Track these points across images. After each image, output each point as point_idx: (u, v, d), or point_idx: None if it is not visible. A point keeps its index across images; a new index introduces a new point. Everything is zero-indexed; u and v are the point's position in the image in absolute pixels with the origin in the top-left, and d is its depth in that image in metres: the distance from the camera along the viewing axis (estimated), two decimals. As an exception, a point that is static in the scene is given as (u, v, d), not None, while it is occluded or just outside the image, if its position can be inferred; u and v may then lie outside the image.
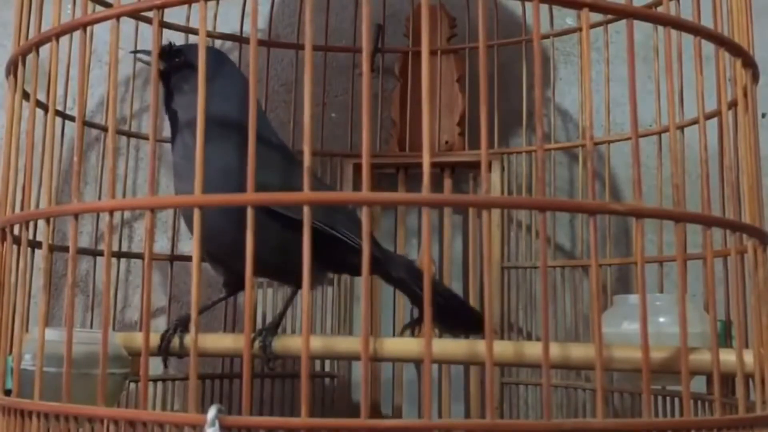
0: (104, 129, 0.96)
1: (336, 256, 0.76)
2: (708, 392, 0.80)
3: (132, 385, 0.82)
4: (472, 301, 1.00)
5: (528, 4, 0.93)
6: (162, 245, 1.02)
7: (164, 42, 0.94)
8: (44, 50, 0.60)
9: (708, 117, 0.63)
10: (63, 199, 1.01)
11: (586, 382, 0.98)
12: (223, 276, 0.83)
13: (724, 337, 0.78)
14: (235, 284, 0.83)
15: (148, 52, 0.81)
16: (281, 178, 0.76)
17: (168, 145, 0.85)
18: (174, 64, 0.79)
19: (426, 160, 0.48)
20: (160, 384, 0.96)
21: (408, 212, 1.05)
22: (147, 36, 0.97)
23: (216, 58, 0.81)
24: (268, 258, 0.70)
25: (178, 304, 1.00)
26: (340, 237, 0.77)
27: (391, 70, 1.09)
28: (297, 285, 0.79)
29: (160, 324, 0.98)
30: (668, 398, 0.88)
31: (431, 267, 0.49)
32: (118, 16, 0.55)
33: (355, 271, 0.81)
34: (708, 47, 0.59)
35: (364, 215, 0.48)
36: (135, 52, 0.85)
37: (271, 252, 0.72)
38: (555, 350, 0.67)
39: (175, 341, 0.77)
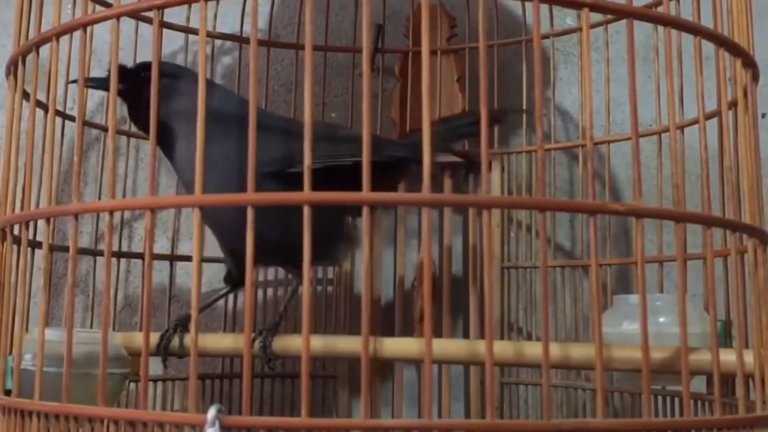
0: (104, 129, 0.96)
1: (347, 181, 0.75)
2: (708, 392, 0.80)
3: (132, 385, 0.82)
4: (472, 302, 1.00)
5: (528, 4, 0.93)
6: (162, 245, 1.02)
7: (164, 43, 0.94)
8: (44, 50, 0.60)
9: (708, 117, 0.63)
10: (63, 199, 1.01)
11: (586, 382, 0.98)
12: (231, 268, 0.83)
13: (724, 337, 0.78)
14: (237, 279, 0.83)
15: (98, 79, 0.80)
16: (282, 150, 0.75)
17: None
18: (142, 79, 0.77)
19: (426, 160, 0.48)
20: (160, 384, 0.96)
21: (408, 212, 1.05)
22: (147, 36, 0.97)
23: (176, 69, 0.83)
24: (278, 237, 0.70)
25: (178, 304, 1.00)
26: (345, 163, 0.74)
27: (391, 70, 1.09)
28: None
29: (161, 324, 0.98)
30: (668, 398, 0.88)
31: (431, 267, 0.49)
32: (118, 16, 0.55)
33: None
34: (708, 47, 0.59)
35: (364, 215, 0.48)
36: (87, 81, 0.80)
37: (281, 230, 0.71)
38: (555, 350, 0.67)
39: (175, 341, 0.77)
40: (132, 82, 0.78)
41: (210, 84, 0.81)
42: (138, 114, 0.81)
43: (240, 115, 0.77)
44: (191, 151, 0.74)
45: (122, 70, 0.77)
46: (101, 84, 0.80)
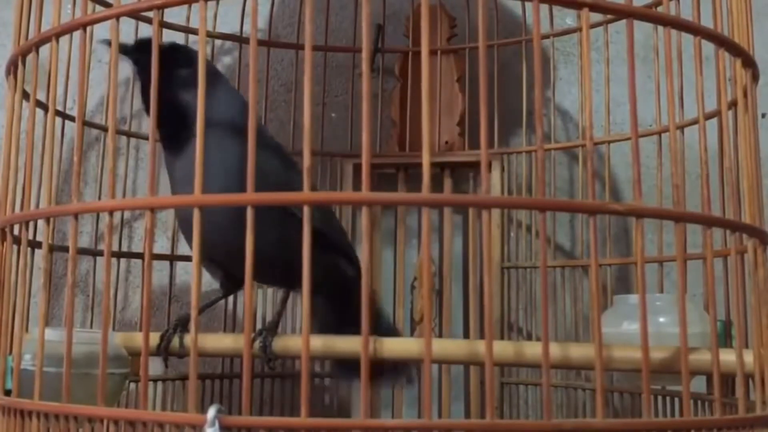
0: (104, 129, 0.96)
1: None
2: (708, 392, 0.80)
3: (132, 385, 0.82)
4: (472, 302, 1.00)
5: (528, 4, 0.93)
6: (162, 245, 1.02)
7: (166, 42, 0.94)
8: (44, 50, 0.60)
9: (708, 117, 0.63)
10: (63, 199, 1.01)
11: (586, 382, 0.98)
12: (219, 278, 0.83)
13: (724, 337, 0.78)
14: (232, 284, 0.83)
15: (125, 47, 0.76)
16: (287, 178, 0.76)
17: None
18: (169, 60, 0.73)
19: (426, 160, 0.48)
20: (160, 384, 0.96)
21: (408, 212, 1.05)
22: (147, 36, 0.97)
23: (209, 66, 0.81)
24: (267, 257, 0.71)
25: (178, 304, 1.00)
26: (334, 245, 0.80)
27: (391, 70, 1.09)
28: (294, 286, 0.79)
29: (160, 324, 0.98)
30: (668, 398, 0.88)
31: (431, 267, 0.49)
32: (118, 16, 0.55)
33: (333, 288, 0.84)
34: (708, 47, 0.59)
35: (364, 215, 0.48)
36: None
37: (271, 251, 0.72)
38: (555, 350, 0.67)
39: (175, 341, 0.77)
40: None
41: (233, 91, 0.81)
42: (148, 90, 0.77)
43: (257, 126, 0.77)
44: (209, 150, 0.73)
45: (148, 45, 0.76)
46: (128, 50, 0.76)
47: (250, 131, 0.49)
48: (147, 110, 0.77)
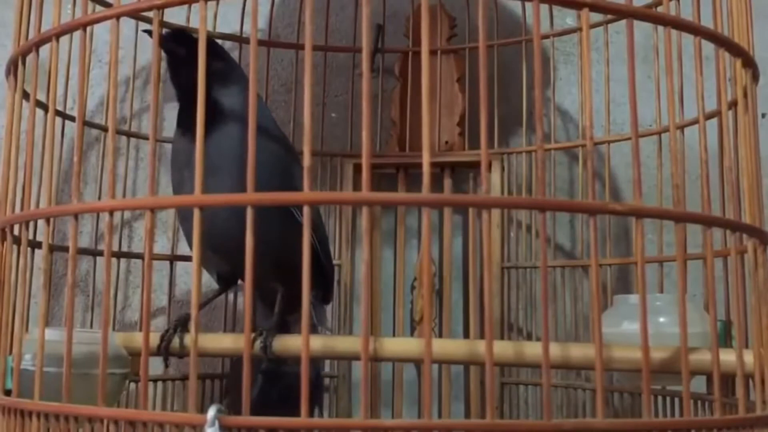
0: (104, 129, 0.96)
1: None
2: (708, 392, 0.80)
3: (132, 385, 0.82)
4: (472, 302, 1.00)
5: (528, 4, 0.93)
6: (162, 245, 1.02)
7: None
8: (44, 50, 0.60)
9: (708, 117, 0.63)
10: (63, 199, 1.01)
11: (586, 382, 0.98)
12: (216, 271, 0.82)
13: (724, 337, 0.78)
14: (229, 279, 0.83)
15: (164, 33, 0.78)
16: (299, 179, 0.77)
17: (168, 146, 0.84)
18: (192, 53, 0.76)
19: (426, 160, 0.48)
20: (160, 384, 0.96)
21: (408, 212, 1.05)
22: (147, 36, 0.97)
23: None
24: (273, 254, 0.71)
25: (178, 304, 1.00)
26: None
27: (391, 70, 1.09)
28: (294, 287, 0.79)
29: (160, 324, 0.98)
30: (668, 398, 0.88)
31: (431, 267, 0.49)
32: (118, 16, 0.55)
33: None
34: (708, 47, 0.59)
35: (364, 215, 0.48)
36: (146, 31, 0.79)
37: (278, 248, 0.71)
38: (555, 350, 0.67)
39: (175, 341, 0.77)
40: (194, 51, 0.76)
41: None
42: (183, 80, 0.78)
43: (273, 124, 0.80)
44: (230, 143, 0.73)
45: (186, 37, 0.78)
46: (161, 40, 0.76)
47: (251, 131, 0.49)
48: (178, 98, 0.80)
